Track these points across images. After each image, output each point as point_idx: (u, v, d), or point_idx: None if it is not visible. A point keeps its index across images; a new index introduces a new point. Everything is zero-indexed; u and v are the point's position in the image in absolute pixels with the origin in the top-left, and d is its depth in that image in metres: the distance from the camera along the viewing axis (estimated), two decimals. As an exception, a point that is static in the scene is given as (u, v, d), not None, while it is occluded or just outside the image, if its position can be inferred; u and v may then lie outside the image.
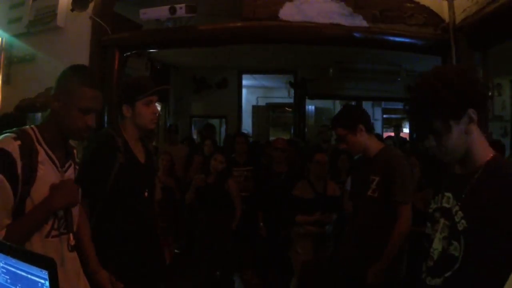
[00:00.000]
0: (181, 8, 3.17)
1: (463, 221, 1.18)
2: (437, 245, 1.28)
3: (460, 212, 1.20)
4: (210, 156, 3.86)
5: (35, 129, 1.44)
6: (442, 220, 1.28)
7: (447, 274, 1.21)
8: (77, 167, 1.61)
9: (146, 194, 1.97)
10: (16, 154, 1.31)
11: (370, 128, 2.37)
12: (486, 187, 1.16)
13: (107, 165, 1.84)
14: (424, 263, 1.32)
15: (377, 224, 2.22)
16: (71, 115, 1.43)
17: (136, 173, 1.93)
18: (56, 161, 1.45)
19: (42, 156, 1.40)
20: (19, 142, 1.34)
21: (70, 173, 1.53)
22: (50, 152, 1.43)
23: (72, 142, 1.62)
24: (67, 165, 1.51)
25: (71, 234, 1.42)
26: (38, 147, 1.40)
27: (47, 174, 1.40)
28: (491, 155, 1.22)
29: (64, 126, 1.45)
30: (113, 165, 1.84)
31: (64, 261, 1.44)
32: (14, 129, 1.40)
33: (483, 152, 1.22)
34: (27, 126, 1.45)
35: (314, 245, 3.39)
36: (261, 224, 3.82)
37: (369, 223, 2.26)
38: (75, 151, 1.63)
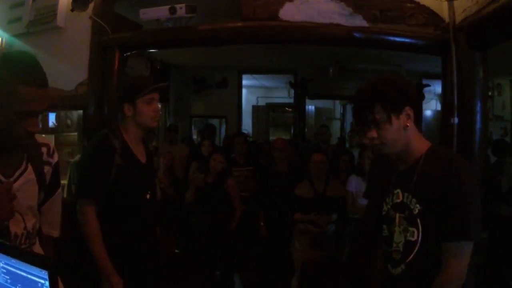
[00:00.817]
0: (181, 8, 3.18)
1: (417, 205, 1.32)
2: (399, 238, 1.37)
3: (413, 199, 1.34)
4: (208, 156, 3.86)
5: None
6: (397, 215, 1.39)
7: (408, 260, 1.33)
8: (47, 168, 1.40)
9: (148, 195, 1.96)
10: None
11: None
12: (430, 170, 1.32)
13: (104, 168, 1.82)
14: (389, 259, 1.41)
15: None
16: (6, 121, 1.18)
17: (136, 173, 1.92)
18: None
19: None
20: None
21: (22, 182, 1.31)
22: None
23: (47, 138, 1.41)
24: (17, 174, 1.30)
25: None
26: None
27: None
28: (428, 145, 1.38)
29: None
30: (110, 167, 1.83)
31: None
32: None
33: (421, 145, 1.38)
34: None
35: (312, 243, 3.39)
36: (262, 223, 3.83)
37: None
38: (44, 149, 1.41)
